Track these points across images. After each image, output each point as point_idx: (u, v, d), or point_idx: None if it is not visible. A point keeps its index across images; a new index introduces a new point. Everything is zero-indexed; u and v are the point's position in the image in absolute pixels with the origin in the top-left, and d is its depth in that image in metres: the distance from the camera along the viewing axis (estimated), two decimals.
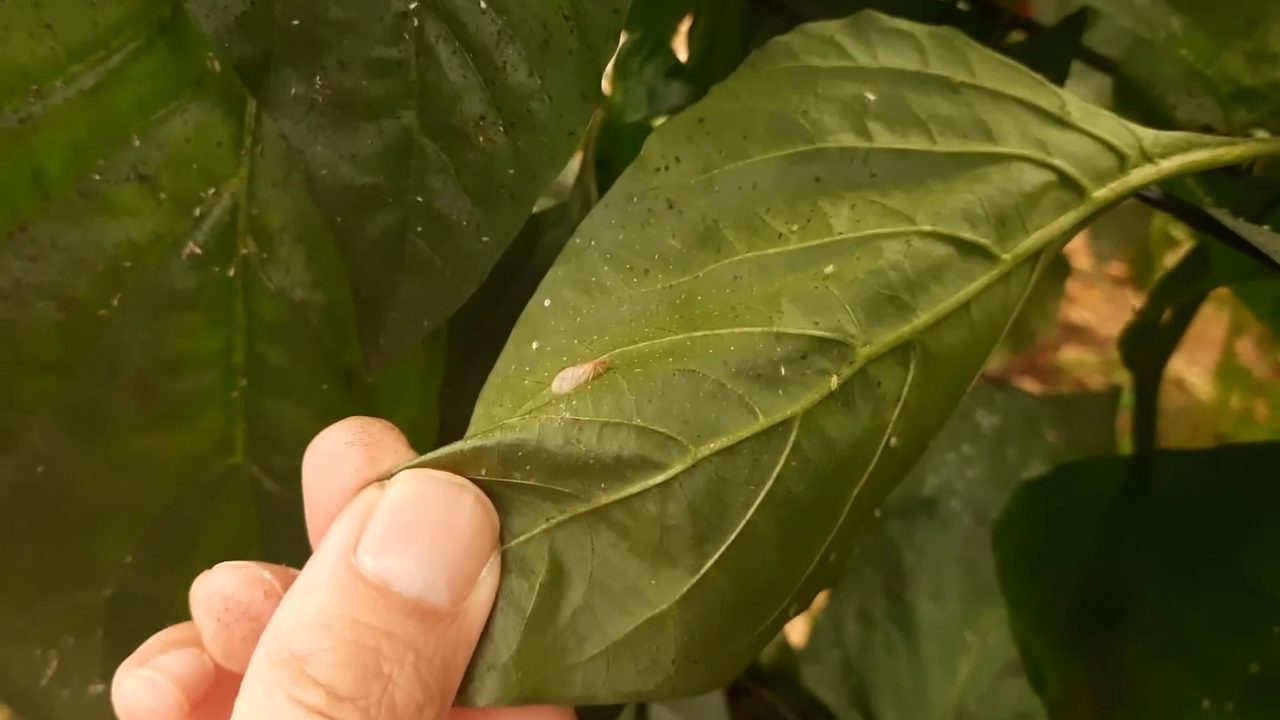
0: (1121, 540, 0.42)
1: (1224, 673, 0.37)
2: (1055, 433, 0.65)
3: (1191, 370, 1.82)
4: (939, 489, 0.62)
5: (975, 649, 0.58)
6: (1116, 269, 1.87)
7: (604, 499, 0.24)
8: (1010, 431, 0.64)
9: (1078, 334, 1.89)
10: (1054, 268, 1.60)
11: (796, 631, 0.77)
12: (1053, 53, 0.36)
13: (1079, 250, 1.74)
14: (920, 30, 0.30)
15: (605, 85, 0.42)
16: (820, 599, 0.63)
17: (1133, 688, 0.40)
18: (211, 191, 0.30)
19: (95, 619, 0.36)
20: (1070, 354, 1.89)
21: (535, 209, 0.38)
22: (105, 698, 0.37)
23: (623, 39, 0.41)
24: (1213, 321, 1.84)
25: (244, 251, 0.31)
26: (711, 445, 0.24)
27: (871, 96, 0.29)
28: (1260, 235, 0.26)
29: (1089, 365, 1.83)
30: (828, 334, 0.25)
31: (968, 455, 0.63)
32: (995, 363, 1.59)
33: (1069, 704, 0.45)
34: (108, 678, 0.37)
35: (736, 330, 0.25)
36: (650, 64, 0.39)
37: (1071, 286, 1.62)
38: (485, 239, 0.27)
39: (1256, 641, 0.36)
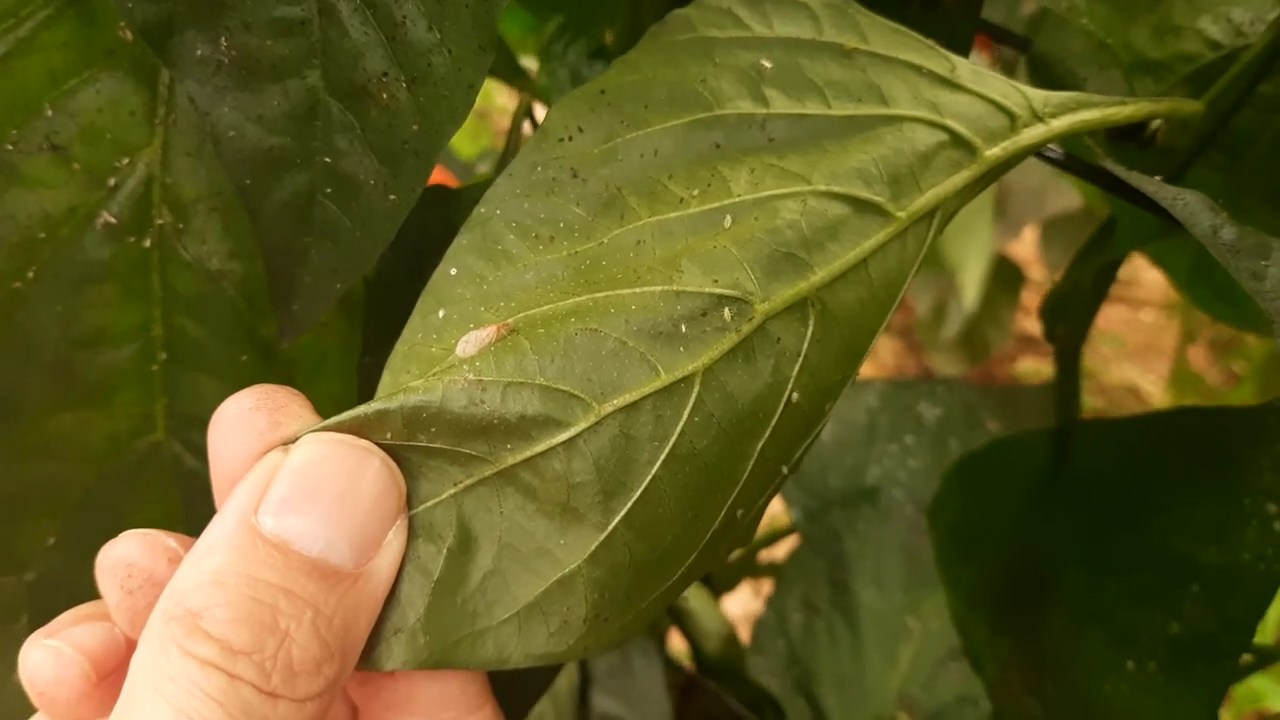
0: (1044, 513, 0.42)
1: (1145, 635, 0.37)
2: (996, 423, 0.65)
3: (1146, 378, 1.85)
4: (882, 479, 0.63)
5: (917, 635, 0.58)
6: None
7: (510, 459, 0.24)
8: (952, 422, 0.65)
9: (1034, 345, 1.91)
10: (1008, 279, 1.62)
11: (743, 623, 0.77)
12: (955, 25, 0.36)
13: (1033, 261, 1.76)
14: (814, 0, 0.30)
15: (532, 68, 0.43)
16: (766, 590, 0.63)
17: (1059, 658, 0.40)
18: (125, 162, 0.31)
19: (19, 605, 0.36)
20: (1027, 364, 1.91)
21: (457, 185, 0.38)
22: None
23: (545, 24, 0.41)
24: (1165, 330, 1.86)
25: (159, 222, 0.31)
26: (615, 402, 0.24)
27: (768, 64, 0.29)
28: (1150, 184, 0.27)
29: (1045, 375, 1.85)
30: (727, 291, 0.25)
31: (910, 446, 0.64)
32: (952, 373, 1.60)
33: (1005, 681, 0.45)
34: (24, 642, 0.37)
35: (638, 290, 0.25)
36: (574, 46, 0.40)
37: (1026, 297, 1.64)
38: (392, 198, 0.27)
39: (1174, 602, 0.37)
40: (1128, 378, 1.85)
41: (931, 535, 0.47)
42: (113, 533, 0.36)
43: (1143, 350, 1.89)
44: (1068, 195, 1.38)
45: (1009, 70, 0.76)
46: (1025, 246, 1.77)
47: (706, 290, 0.25)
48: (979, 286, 1.51)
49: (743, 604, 1.24)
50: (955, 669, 0.57)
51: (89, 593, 0.36)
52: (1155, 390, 1.81)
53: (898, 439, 0.64)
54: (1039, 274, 1.78)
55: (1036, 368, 1.89)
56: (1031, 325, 1.91)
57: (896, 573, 0.60)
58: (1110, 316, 1.93)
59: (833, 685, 0.57)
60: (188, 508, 0.35)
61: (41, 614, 0.36)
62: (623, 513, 0.24)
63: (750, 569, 0.80)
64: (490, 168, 1.03)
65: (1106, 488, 0.40)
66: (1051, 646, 0.42)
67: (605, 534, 0.24)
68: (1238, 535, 0.36)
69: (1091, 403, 1.79)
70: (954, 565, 0.47)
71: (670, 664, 0.62)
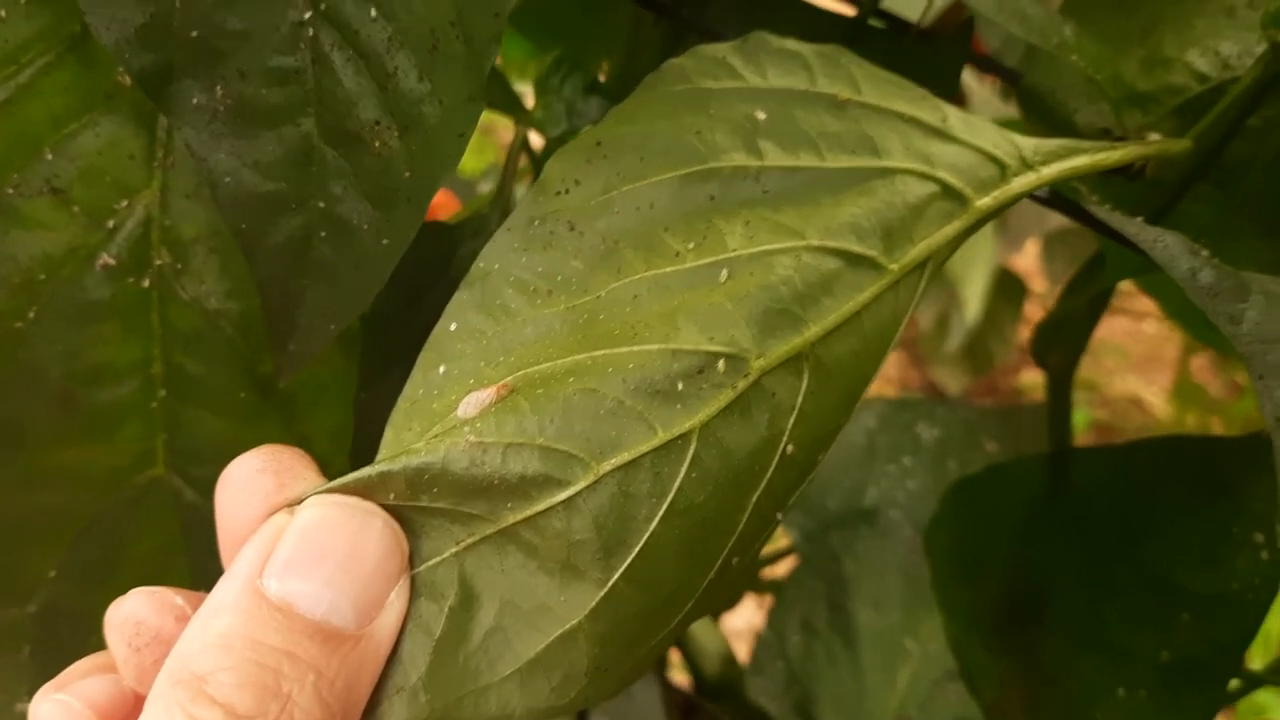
0: (1040, 538, 0.43)
1: (1137, 662, 0.38)
2: (995, 444, 0.66)
3: (1149, 390, 1.85)
4: (880, 500, 0.63)
5: (915, 656, 0.58)
6: None
7: (511, 519, 0.24)
8: (950, 443, 0.65)
9: None
10: (1011, 292, 1.63)
11: (742, 645, 0.77)
12: (945, 61, 0.37)
13: (1035, 274, 1.76)
14: (808, 50, 0.31)
15: (529, 101, 0.43)
16: (770, 604, 0.64)
17: (1054, 681, 0.41)
18: (124, 203, 0.31)
19: (22, 635, 0.36)
20: (1029, 377, 1.91)
21: (452, 221, 0.38)
22: None
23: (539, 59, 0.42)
24: (1168, 342, 1.86)
25: (158, 262, 0.32)
26: (613, 461, 0.24)
27: (762, 116, 0.29)
28: (1132, 226, 0.27)
29: None
30: (722, 348, 0.25)
31: (908, 467, 0.64)
32: (956, 386, 1.61)
33: (1001, 703, 0.45)
34: (34, 695, 0.37)
35: (635, 348, 0.25)
36: (569, 81, 0.40)
37: (1029, 310, 1.64)
38: (385, 241, 0.27)
39: (1166, 630, 0.37)
40: (1130, 389, 1.85)
41: (928, 557, 0.47)
42: (115, 565, 0.36)
43: (1145, 362, 1.89)
44: None
45: (1008, 93, 0.77)
46: (1027, 259, 1.77)
47: (703, 348, 0.25)
48: (981, 299, 1.51)
49: (747, 618, 1.25)
50: (953, 690, 0.57)
51: (90, 624, 0.37)
52: (1158, 401, 1.81)
53: (896, 460, 0.65)
54: (1041, 286, 1.79)
55: (1039, 379, 1.88)
56: None
57: (895, 594, 0.60)
58: (1113, 328, 1.93)
59: (831, 706, 0.57)
60: (187, 540, 0.36)
61: (43, 645, 0.36)
62: (622, 568, 0.24)
63: (752, 585, 0.80)
64: (494, 185, 1.03)
65: (1101, 513, 0.41)
66: (1046, 670, 0.42)
67: (606, 590, 0.24)
68: (1227, 563, 0.36)
69: (1094, 415, 1.79)
70: (950, 587, 0.47)
71: (669, 685, 0.62)
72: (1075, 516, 0.42)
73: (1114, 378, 1.87)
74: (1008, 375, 1.89)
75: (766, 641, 0.60)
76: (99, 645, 0.37)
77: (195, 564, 0.37)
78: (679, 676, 0.69)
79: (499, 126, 1.93)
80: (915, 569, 0.60)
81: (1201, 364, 1.70)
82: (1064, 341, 0.41)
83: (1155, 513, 0.39)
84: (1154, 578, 0.38)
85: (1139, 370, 1.88)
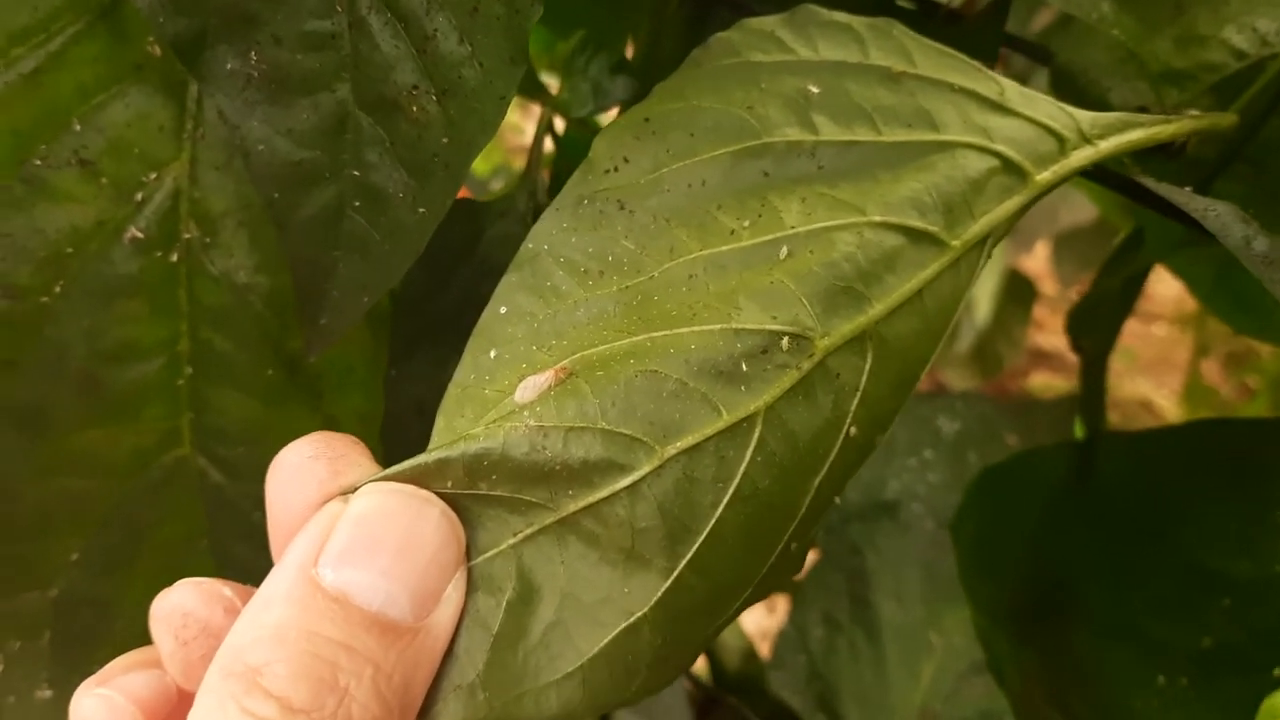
0: (1067, 526, 0.42)
1: (1174, 650, 0.37)
2: (1015, 437, 0.65)
3: (1160, 393, 1.84)
4: (901, 493, 0.62)
5: (939, 649, 0.58)
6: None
7: (572, 506, 0.23)
8: (971, 436, 0.65)
9: (1046, 360, 1.91)
10: (1021, 294, 1.62)
11: (756, 639, 0.77)
12: (979, 40, 0.36)
13: (1045, 276, 1.76)
14: (859, 22, 0.30)
15: (553, 84, 0.43)
16: (780, 605, 0.63)
17: (1084, 671, 0.40)
18: (153, 176, 0.31)
19: (42, 621, 0.36)
20: (1039, 379, 1.90)
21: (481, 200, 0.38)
22: (53, 703, 0.37)
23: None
24: (1179, 345, 1.86)
25: (187, 236, 0.31)
26: (677, 444, 0.24)
27: (815, 89, 0.29)
28: (1182, 196, 0.27)
29: (1058, 390, 1.84)
30: (786, 328, 0.25)
31: (929, 460, 0.64)
32: (965, 388, 1.60)
33: (1030, 694, 0.45)
34: (55, 682, 0.36)
35: (695, 328, 0.25)
36: (595, 61, 0.40)
37: (1038, 312, 1.64)
38: (421, 211, 0.27)
39: (1204, 616, 0.36)
40: (1141, 392, 1.84)
41: (955, 548, 0.47)
42: (137, 549, 0.36)
43: (1155, 364, 1.88)
44: (1080, 209, 1.38)
45: (1021, 80, 0.77)
46: (1037, 261, 1.77)
47: (766, 327, 0.25)
48: (991, 301, 1.51)
49: (756, 620, 1.24)
50: (978, 683, 0.56)
51: (112, 609, 0.37)
52: (1169, 404, 1.80)
53: (917, 453, 0.64)
54: (1051, 288, 1.78)
55: (1049, 382, 1.88)
56: (1044, 340, 1.91)
57: (917, 587, 0.59)
58: (1122, 330, 1.92)
59: (855, 700, 0.57)
60: (212, 522, 0.35)
61: (64, 631, 0.36)
62: (688, 556, 0.24)
63: None
64: (504, 185, 1.03)
65: (1130, 500, 0.40)
66: (1076, 659, 0.41)
67: (672, 579, 0.24)
68: (1269, 547, 0.36)
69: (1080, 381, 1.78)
70: (976, 577, 0.47)
71: (691, 679, 0.62)
72: (1103, 504, 0.41)
73: (1124, 380, 1.87)
74: (1016, 378, 1.89)
75: (788, 635, 0.60)
76: (120, 632, 0.37)
77: (217, 549, 0.36)
78: (701, 671, 0.69)
79: (506, 128, 1.93)
80: (937, 562, 0.60)
81: (1212, 367, 1.69)
82: (1098, 324, 0.40)
83: (1187, 498, 0.39)
84: (1188, 564, 0.37)
85: (1149, 373, 1.87)
